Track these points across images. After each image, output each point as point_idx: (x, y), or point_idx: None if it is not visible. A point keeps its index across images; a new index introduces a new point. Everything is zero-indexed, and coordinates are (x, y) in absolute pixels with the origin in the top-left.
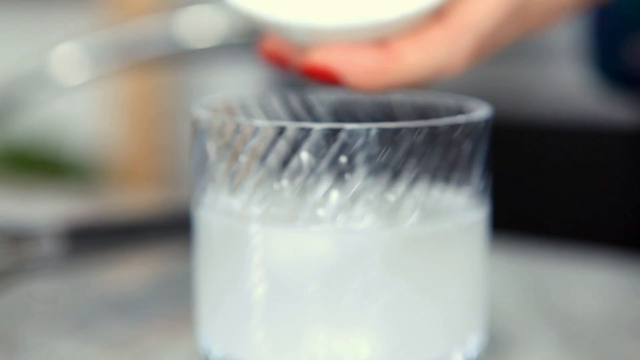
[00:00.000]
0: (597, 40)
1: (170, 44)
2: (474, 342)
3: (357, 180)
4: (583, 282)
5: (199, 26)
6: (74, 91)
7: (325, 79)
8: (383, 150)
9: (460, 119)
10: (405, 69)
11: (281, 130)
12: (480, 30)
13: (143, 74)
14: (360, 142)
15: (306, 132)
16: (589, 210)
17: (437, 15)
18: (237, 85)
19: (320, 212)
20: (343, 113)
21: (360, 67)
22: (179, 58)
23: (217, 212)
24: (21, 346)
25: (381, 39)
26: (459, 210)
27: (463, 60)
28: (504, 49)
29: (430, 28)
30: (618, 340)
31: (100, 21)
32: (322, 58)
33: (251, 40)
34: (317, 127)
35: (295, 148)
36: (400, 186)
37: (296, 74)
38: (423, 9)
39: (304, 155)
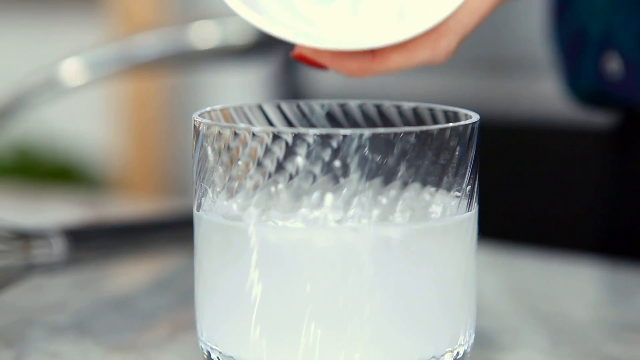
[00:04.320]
0: (564, 61)
1: (173, 50)
2: (462, 341)
3: (351, 183)
4: (568, 284)
5: (202, 37)
6: (77, 91)
7: (314, 66)
8: (375, 155)
9: (449, 124)
10: (388, 69)
11: (277, 136)
12: (463, 29)
13: (147, 82)
14: (353, 146)
15: (301, 137)
16: (573, 213)
17: None
18: (240, 90)
19: (315, 214)
20: (337, 118)
21: (346, 70)
22: (183, 64)
23: (217, 214)
24: (26, 344)
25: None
26: (449, 212)
27: (446, 56)
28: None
29: None
30: (602, 340)
31: (106, 34)
32: (313, 55)
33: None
34: (312, 132)
35: (290, 153)
36: (392, 189)
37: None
38: (418, 34)
39: (299, 160)
